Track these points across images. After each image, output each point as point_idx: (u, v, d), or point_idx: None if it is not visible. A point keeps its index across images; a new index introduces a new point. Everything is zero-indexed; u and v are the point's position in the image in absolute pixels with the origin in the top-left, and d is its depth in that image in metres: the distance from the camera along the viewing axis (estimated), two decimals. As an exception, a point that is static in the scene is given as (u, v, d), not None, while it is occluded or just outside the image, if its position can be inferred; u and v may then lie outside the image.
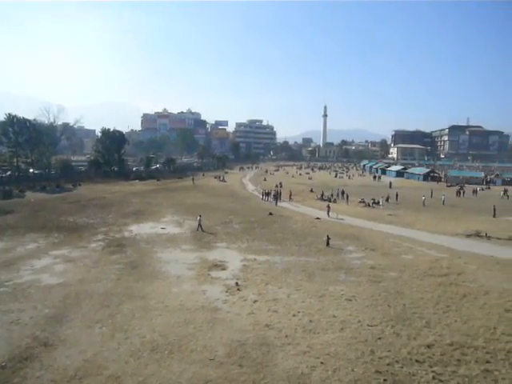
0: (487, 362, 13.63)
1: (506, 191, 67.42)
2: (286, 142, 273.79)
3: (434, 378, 12.61)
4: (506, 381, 12.52)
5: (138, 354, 13.94)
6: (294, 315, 17.12)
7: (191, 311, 17.48)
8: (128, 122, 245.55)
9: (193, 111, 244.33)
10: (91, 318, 16.70)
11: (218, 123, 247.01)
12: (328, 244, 28.92)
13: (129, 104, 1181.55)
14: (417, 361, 13.56)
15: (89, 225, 35.53)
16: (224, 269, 23.67)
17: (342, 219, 40.88)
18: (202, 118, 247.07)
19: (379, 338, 15.06)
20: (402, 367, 13.14)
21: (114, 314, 17.13)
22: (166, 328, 15.83)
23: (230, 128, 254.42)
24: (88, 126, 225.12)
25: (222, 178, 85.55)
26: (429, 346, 14.51)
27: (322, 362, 13.39)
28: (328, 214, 42.15)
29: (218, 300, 18.78)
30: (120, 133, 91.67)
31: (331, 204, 49.27)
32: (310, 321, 16.54)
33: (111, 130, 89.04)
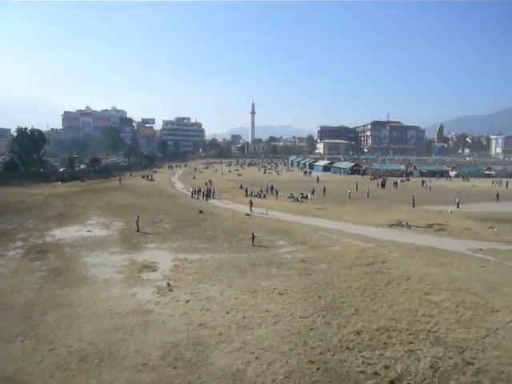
0: (410, 342, 14.46)
1: (423, 182, 72.20)
2: (214, 139, 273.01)
3: (363, 362, 13.16)
4: (427, 358, 13.34)
5: (64, 365, 13.26)
6: (227, 312, 17.14)
7: (121, 316, 16.95)
8: (48, 120, 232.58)
9: (118, 109, 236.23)
10: (11, 331, 15.61)
11: (144, 121, 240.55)
12: (253, 242, 28.73)
13: (48, 102, 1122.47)
14: (347, 348, 14.10)
15: (6, 231, 33.20)
16: (155, 270, 23.20)
17: (265, 214, 41.41)
18: (128, 115, 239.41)
19: (311, 329, 15.48)
20: (334, 355, 13.60)
21: (37, 325, 16.17)
22: (95, 335, 15.21)
23: (158, 126, 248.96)
24: (3, 125, 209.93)
25: (150, 177, 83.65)
26: (358, 333, 15.13)
27: (256, 357, 13.52)
28: (250, 209, 42.56)
29: (149, 302, 18.36)
30: (39, 132, 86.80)
31: (261, 200, 49.95)
32: (244, 317, 16.64)
33: (29, 128, 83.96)
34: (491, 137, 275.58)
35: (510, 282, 20.94)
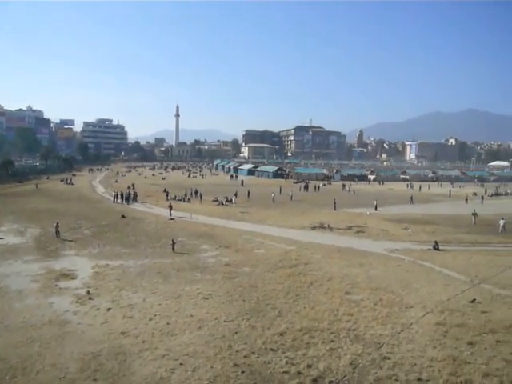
0: (332, 341, 14.84)
1: (344, 185, 75.41)
2: (137, 143, 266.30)
3: (286, 362, 13.28)
4: (347, 356, 13.75)
5: (-31, 384, 12.15)
6: (150, 319, 16.61)
7: (37, 328, 15.82)
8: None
9: (34, 108, 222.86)
10: None
11: (63, 122, 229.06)
12: (174, 249, 27.78)
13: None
14: (271, 349, 14.18)
15: None
16: (73, 278, 21.98)
17: (189, 218, 41.00)
18: (45, 116, 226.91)
19: (236, 333, 15.41)
20: (258, 357, 13.62)
21: None
22: (7, 350, 14.05)
23: (78, 127, 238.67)
24: None
25: (69, 181, 79.64)
26: (281, 334, 15.28)
27: (181, 364, 13.20)
28: (170, 213, 41.88)
29: (67, 312, 17.33)
30: None
31: (186, 204, 49.39)
32: (168, 323, 16.22)
33: None
34: (406, 143, 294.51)
35: (422, 280, 22.33)
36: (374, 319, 16.84)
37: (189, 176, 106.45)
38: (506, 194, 77.63)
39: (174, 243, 28.09)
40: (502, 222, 37.59)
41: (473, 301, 19.11)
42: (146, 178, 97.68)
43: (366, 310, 17.89)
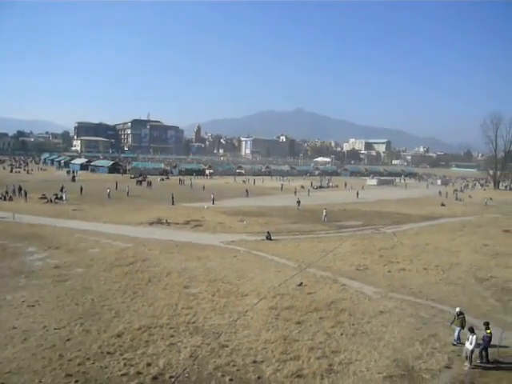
0: (171, 336, 14.81)
1: (181, 180, 76.22)
2: None
3: (125, 364, 12.82)
4: (187, 349, 13.86)
5: None
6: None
7: None
8: None
9: None
10: None
11: None
12: None
13: None
14: (108, 353, 13.53)
15: None
16: None
17: (11, 219, 36.71)
18: None
19: (68, 340, 14.30)
20: (94, 363, 12.86)
21: None
22: None
23: None
24: None
25: None
26: (119, 335, 14.69)
27: (2, 383, 11.77)
28: None
29: None
30: None
31: (7, 202, 44.27)
32: (-17, 340, 14.29)
33: None
34: (242, 139, 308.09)
35: (257, 268, 23.73)
36: (213, 310, 17.31)
37: (11, 171, 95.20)
38: (328, 186, 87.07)
39: None
40: (324, 212, 41.94)
41: (300, 284, 21.00)
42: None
43: (204, 301, 18.27)
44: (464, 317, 15.44)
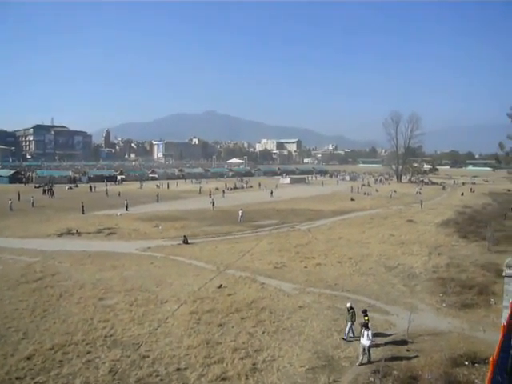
0: (88, 352, 14.10)
1: (91, 187, 72.81)
2: None
3: (37, 389, 12.00)
4: (106, 364, 13.29)
5: None
6: None
7: None
8: None
9: None
10: None
11: None
12: None
13: None
14: (17, 378, 12.54)
15: None
16: None
17: None
18: None
19: (-30, 368, 13.06)
20: (1, 391, 11.88)
21: None
22: None
23: None
24: None
25: None
26: (29, 358, 13.68)
27: None
28: None
29: None
30: None
31: None
32: None
33: None
34: (154, 142, 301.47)
35: (175, 274, 23.36)
36: (131, 320, 16.74)
37: None
38: (242, 187, 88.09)
39: None
40: (240, 213, 42.29)
41: (220, 286, 21.01)
42: None
43: (121, 312, 17.61)
44: (354, 311, 15.66)
